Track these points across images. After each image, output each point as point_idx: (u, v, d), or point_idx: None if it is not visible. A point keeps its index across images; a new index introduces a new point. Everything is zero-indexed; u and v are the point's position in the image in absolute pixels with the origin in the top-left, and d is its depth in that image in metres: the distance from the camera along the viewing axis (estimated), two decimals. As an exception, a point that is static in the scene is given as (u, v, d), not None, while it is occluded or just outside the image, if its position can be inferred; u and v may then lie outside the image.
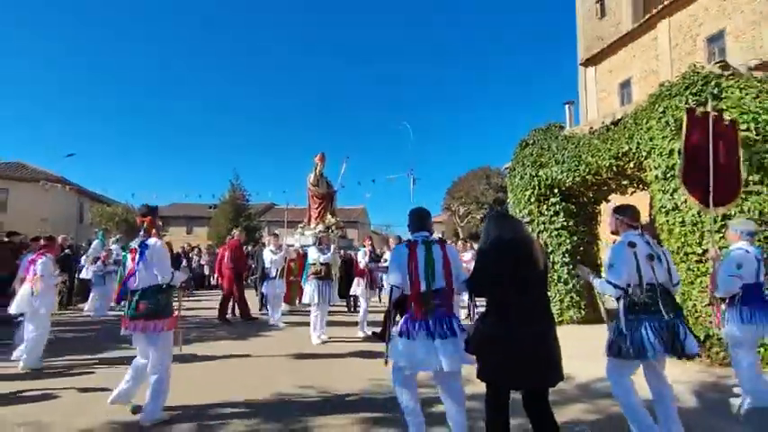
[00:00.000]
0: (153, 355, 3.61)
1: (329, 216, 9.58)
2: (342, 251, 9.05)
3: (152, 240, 3.68)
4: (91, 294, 9.66)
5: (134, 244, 3.74)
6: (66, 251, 10.43)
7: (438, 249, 3.14)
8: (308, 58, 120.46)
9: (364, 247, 8.47)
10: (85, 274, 10.05)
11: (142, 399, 3.68)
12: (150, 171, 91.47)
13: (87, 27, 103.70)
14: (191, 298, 12.21)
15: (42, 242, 5.87)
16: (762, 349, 4.41)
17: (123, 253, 3.94)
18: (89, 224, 24.32)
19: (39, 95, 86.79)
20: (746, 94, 4.89)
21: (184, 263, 12.41)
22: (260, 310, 9.79)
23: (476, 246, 17.96)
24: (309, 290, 7.03)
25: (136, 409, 3.68)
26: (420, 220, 3.35)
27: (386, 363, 3.17)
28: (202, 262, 16.67)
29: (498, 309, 2.72)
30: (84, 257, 10.40)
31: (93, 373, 5.07)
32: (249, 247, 18.62)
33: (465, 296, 7.43)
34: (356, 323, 7.62)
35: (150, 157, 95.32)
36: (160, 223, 3.95)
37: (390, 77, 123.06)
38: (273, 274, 8.47)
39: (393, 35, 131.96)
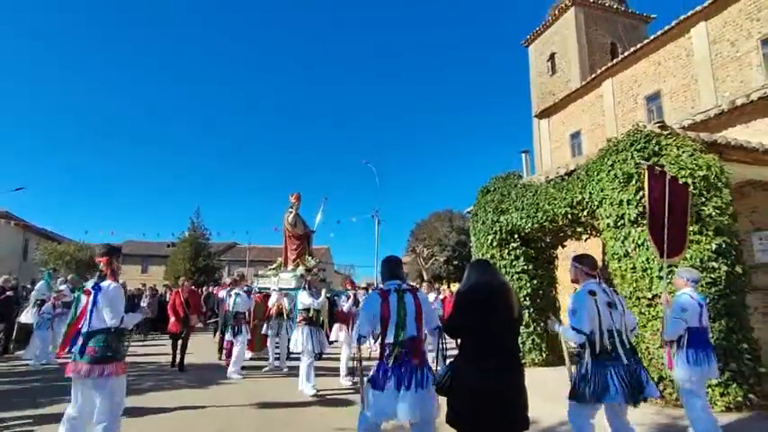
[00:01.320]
0: (100, 402, 3.37)
1: (309, 258, 9.25)
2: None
3: (106, 283, 3.55)
4: (32, 340, 8.83)
5: (89, 285, 3.61)
6: (8, 293, 9.72)
7: (410, 298, 3.21)
8: (270, 97, 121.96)
9: (348, 290, 8.15)
10: (26, 318, 9.25)
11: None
12: (106, 208, 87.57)
13: (37, 56, 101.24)
14: (145, 342, 11.52)
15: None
16: (709, 390, 4.67)
17: (77, 294, 3.76)
18: (34, 263, 22.74)
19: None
20: (683, 152, 5.40)
21: (144, 302, 11.71)
22: (220, 357, 9.35)
23: (439, 287, 17.94)
24: (300, 337, 6.54)
25: None
26: (392, 268, 3.41)
27: (363, 410, 3.15)
28: (143, 303, 15.62)
29: (470, 353, 2.77)
30: (31, 299, 9.63)
31: (32, 431, 4.67)
32: (210, 288, 17.98)
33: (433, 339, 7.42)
34: (331, 369, 7.38)
35: (105, 195, 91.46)
36: (117, 265, 3.81)
37: (354, 121, 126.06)
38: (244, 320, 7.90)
39: (356, 80, 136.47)
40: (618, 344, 3.17)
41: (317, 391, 6.35)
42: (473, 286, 2.92)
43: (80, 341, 3.43)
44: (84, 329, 3.45)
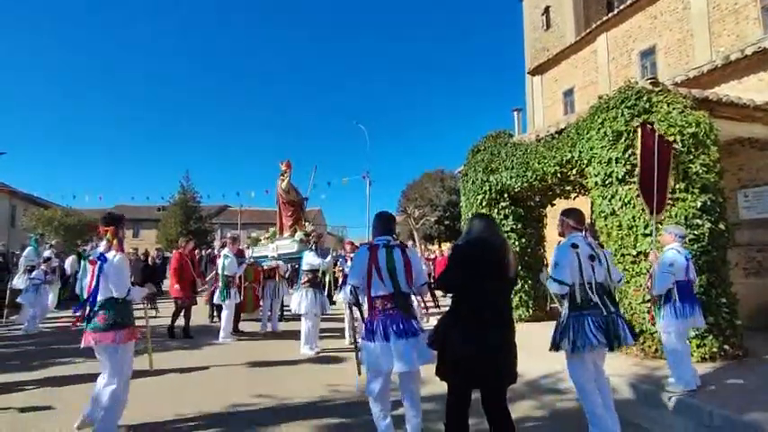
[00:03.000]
0: (109, 367, 3.46)
1: (306, 223, 9.14)
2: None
3: (111, 254, 3.55)
4: (24, 306, 8.90)
5: (94, 255, 3.61)
6: (-1, 259, 9.70)
7: (399, 253, 3.23)
8: (260, 59, 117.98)
9: (346, 252, 8.00)
10: (18, 283, 9.27)
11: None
12: (95, 172, 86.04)
13: (25, 21, 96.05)
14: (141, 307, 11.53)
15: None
16: (688, 341, 4.85)
17: (84, 263, 3.75)
18: (23, 229, 22.51)
19: (-40, 88, 79.33)
20: (674, 109, 5.34)
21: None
22: (212, 320, 9.48)
23: (432, 248, 18.11)
24: (303, 299, 6.48)
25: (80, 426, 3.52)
26: (384, 223, 3.42)
27: (359, 372, 3.23)
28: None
29: (463, 308, 2.80)
30: (20, 265, 9.61)
31: (29, 392, 4.75)
32: (202, 251, 17.99)
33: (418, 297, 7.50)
34: (335, 330, 7.48)
35: (94, 158, 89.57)
36: (123, 234, 3.77)
37: (344, 83, 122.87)
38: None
39: (346, 43, 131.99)
40: (597, 295, 3.23)
41: (319, 352, 6.43)
42: (471, 241, 2.91)
43: (89, 310, 3.48)
44: (92, 299, 3.49)
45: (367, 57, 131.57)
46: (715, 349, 4.93)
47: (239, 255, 8.39)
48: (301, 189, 9.61)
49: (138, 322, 3.73)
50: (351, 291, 3.31)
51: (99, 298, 3.49)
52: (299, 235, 8.35)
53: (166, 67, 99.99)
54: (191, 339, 7.62)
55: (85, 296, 3.54)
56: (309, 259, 6.81)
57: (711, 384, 4.17)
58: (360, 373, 3.26)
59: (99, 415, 3.39)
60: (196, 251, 11.86)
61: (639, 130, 4.62)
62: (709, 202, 5.11)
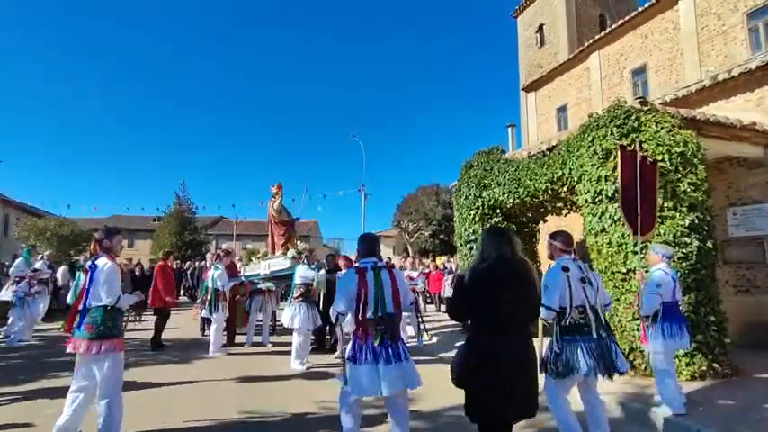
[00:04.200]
0: (101, 378, 3.46)
1: (298, 243, 9.34)
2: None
3: (101, 261, 3.60)
4: (10, 318, 8.76)
5: (87, 264, 3.70)
6: (-14, 270, 9.60)
7: (386, 275, 3.24)
8: (258, 74, 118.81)
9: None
10: (5, 295, 9.15)
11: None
12: (90, 182, 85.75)
13: (19, 27, 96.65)
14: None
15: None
16: (676, 360, 4.86)
17: (78, 273, 3.81)
18: (15, 238, 22.33)
19: (-43, 97, 79.24)
20: (661, 128, 5.43)
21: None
22: (203, 333, 9.41)
23: (426, 262, 18.06)
24: (296, 314, 6.50)
25: None
26: (369, 245, 3.44)
27: (345, 383, 3.22)
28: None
29: (483, 335, 2.57)
30: (9, 276, 9.50)
31: (9, 406, 4.67)
32: (195, 263, 17.93)
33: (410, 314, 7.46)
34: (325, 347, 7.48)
35: (89, 168, 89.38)
36: (110, 243, 3.78)
37: (340, 96, 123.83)
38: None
39: (343, 57, 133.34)
40: (590, 319, 3.20)
41: (308, 368, 6.41)
42: (487, 262, 2.66)
43: (78, 318, 3.50)
44: (83, 306, 3.52)
45: (363, 71, 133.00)
46: (704, 367, 4.93)
47: (231, 269, 8.36)
48: (295, 206, 9.87)
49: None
50: (336, 316, 3.29)
51: (88, 306, 3.50)
52: (291, 252, 8.45)
53: (162, 79, 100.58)
54: (181, 353, 7.55)
55: (75, 303, 3.57)
56: (302, 272, 6.79)
57: (700, 403, 4.17)
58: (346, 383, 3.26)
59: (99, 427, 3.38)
60: (180, 264, 11.85)
61: (618, 151, 4.67)
62: (697, 221, 5.17)
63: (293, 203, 11.61)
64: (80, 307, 3.53)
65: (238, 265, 9.79)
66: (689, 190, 5.24)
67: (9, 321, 8.56)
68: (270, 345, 8.19)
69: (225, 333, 8.17)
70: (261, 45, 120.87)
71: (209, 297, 7.63)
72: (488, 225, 8.24)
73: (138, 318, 9.95)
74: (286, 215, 9.45)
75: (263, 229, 10.38)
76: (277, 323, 9.60)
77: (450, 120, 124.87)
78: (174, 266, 9.37)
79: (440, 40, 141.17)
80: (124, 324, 4.31)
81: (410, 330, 8.02)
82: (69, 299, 3.89)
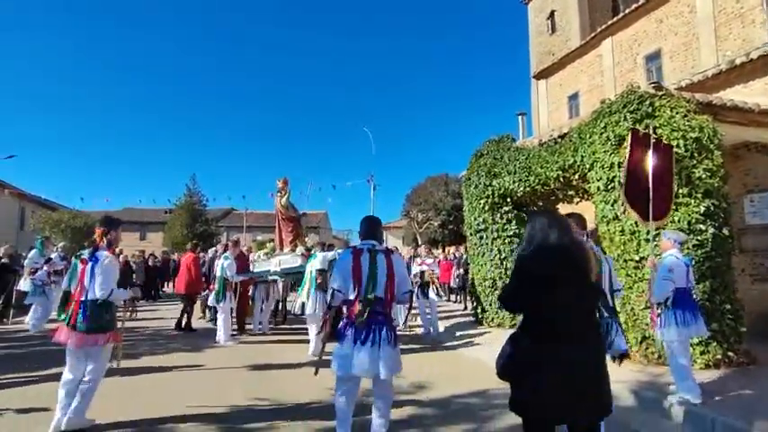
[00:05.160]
0: (90, 367, 3.54)
1: (306, 238, 9.39)
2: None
3: (102, 254, 3.59)
4: (32, 306, 9.00)
5: (85, 254, 3.65)
6: (3, 260, 9.77)
7: (382, 258, 3.22)
8: (266, 61, 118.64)
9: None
10: (23, 285, 9.35)
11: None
12: (102, 174, 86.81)
13: (29, 22, 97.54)
14: (144, 308, 11.72)
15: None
16: (690, 348, 4.80)
17: (74, 261, 3.82)
18: (31, 231, 22.74)
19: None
20: (676, 113, 5.31)
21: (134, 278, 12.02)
22: (206, 319, 9.63)
23: (435, 252, 18.09)
24: (315, 303, 6.51)
25: None
26: (368, 228, 3.42)
27: (316, 372, 3.28)
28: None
29: (537, 328, 2.27)
30: (25, 266, 9.69)
31: (28, 392, 4.77)
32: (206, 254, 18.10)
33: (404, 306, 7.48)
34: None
35: (102, 161, 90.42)
36: (114, 236, 3.80)
37: (352, 86, 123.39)
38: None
39: (354, 46, 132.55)
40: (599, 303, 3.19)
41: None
42: (537, 248, 2.32)
43: (74, 309, 3.50)
44: (80, 298, 3.53)
45: (373, 60, 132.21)
46: (719, 356, 4.87)
47: (241, 259, 8.41)
48: (304, 198, 9.84)
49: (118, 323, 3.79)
50: (333, 294, 3.27)
51: (84, 298, 3.52)
52: (300, 249, 8.46)
53: (172, 70, 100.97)
54: (192, 341, 7.65)
55: (75, 294, 3.57)
56: (320, 260, 6.82)
57: (714, 392, 4.11)
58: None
59: (73, 405, 3.47)
60: (200, 254, 12.04)
61: (630, 134, 4.55)
62: (712, 208, 5.07)
63: (302, 195, 11.68)
64: (77, 298, 3.55)
65: (249, 255, 9.82)
66: (704, 176, 5.13)
67: (32, 309, 8.77)
68: (269, 331, 8.31)
69: (235, 321, 8.28)
70: (266, 43, 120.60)
71: (216, 286, 7.71)
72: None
73: (133, 310, 10.24)
74: (293, 211, 9.45)
75: (273, 221, 10.35)
76: (288, 312, 9.75)
77: (460, 109, 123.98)
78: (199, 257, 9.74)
79: (450, 27, 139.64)
80: (122, 319, 4.39)
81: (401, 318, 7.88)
82: (64, 285, 3.88)
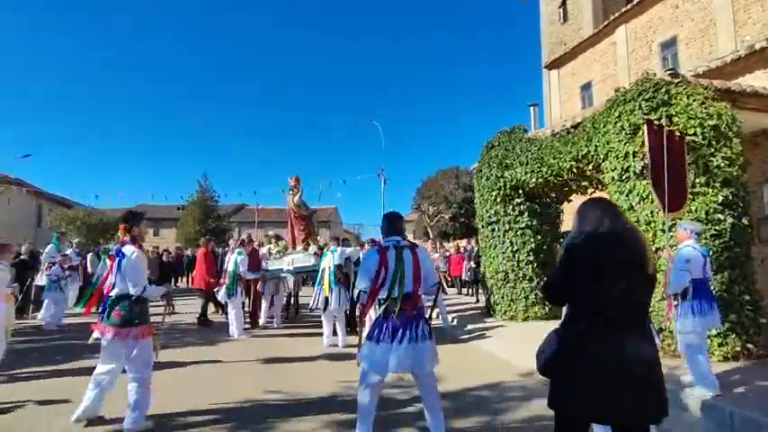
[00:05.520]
0: (131, 360, 3.56)
1: (319, 237, 9.35)
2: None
3: (129, 249, 3.62)
4: (45, 302, 9.13)
5: (112, 250, 3.70)
6: (23, 257, 9.97)
7: (408, 254, 3.21)
8: (275, 58, 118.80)
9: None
10: (40, 280, 9.53)
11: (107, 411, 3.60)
12: (116, 172, 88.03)
13: (43, 24, 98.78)
14: (158, 303, 11.82)
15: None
16: (708, 340, 4.71)
17: (103, 257, 3.87)
18: (48, 228, 23.21)
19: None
20: (693, 101, 5.18)
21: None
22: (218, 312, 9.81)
23: (446, 245, 17.90)
24: (337, 297, 6.70)
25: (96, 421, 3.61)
26: (391, 224, 3.41)
27: (358, 364, 3.23)
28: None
29: (586, 321, 2.09)
30: (42, 262, 9.87)
31: (50, 383, 4.89)
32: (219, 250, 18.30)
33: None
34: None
35: (116, 158, 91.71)
36: (138, 231, 3.83)
37: (360, 80, 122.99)
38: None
39: (363, 39, 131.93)
40: None
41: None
42: (589, 235, 2.15)
43: (106, 304, 3.57)
44: (110, 293, 3.58)
45: (381, 53, 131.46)
46: (738, 348, 4.78)
47: (253, 255, 8.47)
48: (315, 192, 9.80)
49: (155, 319, 3.80)
50: (359, 294, 3.31)
51: (116, 293, 3.56)
52: (312, 248, 8.41)
53: (185, 70, 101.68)
54: (207, 335, 7.75)
55: (103, 290, 3.63)
56: (340, 255, 6.96)
57: (733, 384, 4.04)
58: (359, 365, 3.27)
59: (129, 412, 3.48)
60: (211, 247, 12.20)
61: (645, 126, 4.47)
62: (731, 197, 4.96)
63: (313, 189, 11.65)
64: (106, 293, 3.60)
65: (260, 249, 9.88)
66: (723, 165, 5.01)
67: (44, 304, 8.90)
68: (281, 325, 8.39)
69: (249, 315, 8.38)
70: (280, 32, 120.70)
71: (227, 281, 7.77)
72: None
73: (169, 305, 10.41)
74: (305, 209, 9.39)
75: (284, 216, 10.36)
76: (302, 307, 9.83)
77: (470, 101, 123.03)
78: (215, 252, 9.88)
79: (459, 19, 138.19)
80: (162, 317, 4.45)
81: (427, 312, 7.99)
82: (93, 283, 3.98)
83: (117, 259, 3.58)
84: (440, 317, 8.51)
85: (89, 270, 12.22)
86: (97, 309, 3.71)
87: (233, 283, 7.68)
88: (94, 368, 3.72)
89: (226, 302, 8.04)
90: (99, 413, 3.66)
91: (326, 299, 6.71)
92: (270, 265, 8.65)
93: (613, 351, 1.98)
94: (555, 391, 2.15)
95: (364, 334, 3.33)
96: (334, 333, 6.87)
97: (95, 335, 3.57)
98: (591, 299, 2.06)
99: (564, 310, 2.99)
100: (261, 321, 8.69)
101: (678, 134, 4.66)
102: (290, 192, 9.45)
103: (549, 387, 2.17)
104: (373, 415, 3.20)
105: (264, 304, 8.77)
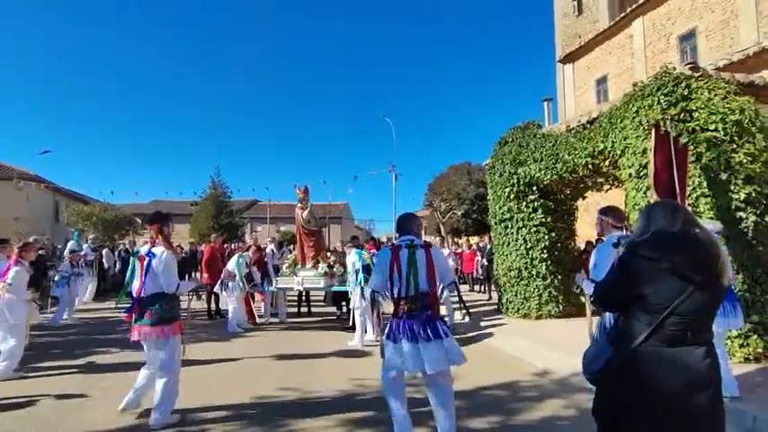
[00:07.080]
0: (161, 359, 3.66)
1: (328, 253, 9.01)
2: None
3: (159, 250, 3.68)
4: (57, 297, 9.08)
5: (143, 251, 3.77)
6: (40, 252, 10.15)
7: (422, 253, 3.20)
8: (289, 52, 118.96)
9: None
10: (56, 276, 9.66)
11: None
12: (131, 168, 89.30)
13: (64, 23, 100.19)
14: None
15: (16, 248, 5.66)
16: (728, 341, 4.61)
17: (133, 259, 3.93)
18: (65, 224, 23.64)
19: (10, 92, 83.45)
20: (715, 95, 5.04)
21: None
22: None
23: (458, 241, 17.75)
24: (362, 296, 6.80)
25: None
26: (403, 224, 3.43)
27: (382, 355, 3.20)
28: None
29: (645, 329, 1.82)
30: (65, 257, 10.02)
31: (67, 378, 4.98)
32: (231, 246, 18.46)
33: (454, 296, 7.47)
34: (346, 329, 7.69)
35: (131, 154, 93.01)
36: (168, 230, 3.90)
37: (372, 75, 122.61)
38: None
39: (375, 33, 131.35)
40: None
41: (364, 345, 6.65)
42: (656, 235, 1.90)
43: (138, 306, 3.65)
44: (141, 294, 3.64)
45: (394, 47, 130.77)
46: (760, 350, 4.66)
47: (259, 263, 8.65)
48: (325, 188, 9.60)
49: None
50: (371, 294, 3.31)
51: (148, 293, 3.63)
52: (322, 267, 8.20)
53: (199, 66, 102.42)
54: (219, 330, 7.84)
55: (134, 293, 3.70)
56: (356, 258, 7.09)
57: (755, 387, 3.95)
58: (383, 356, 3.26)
59: (156, 407, 3.59)
60: (225, 245, 12.28)
61: (653, 131, 4.42)
62: (754, 194, 4.82)
63: (324, 185, 11.45)
64: (136, 294, 3.67)
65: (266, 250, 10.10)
66: (745, 161, 4.87)
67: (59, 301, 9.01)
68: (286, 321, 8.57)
69: (247, 310, 8.55)
70: (292, 26, 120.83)
71: (222, 278, 8.08)
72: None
73: (198, 297, 10.70)
74: (314, 224, 8.92)
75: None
76: (312, 303, 9.89)
77: (483, 97, 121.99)
78: (221, 248, 10.28)
79: (472, 13, 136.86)
80: (189, 303, 4.52)
81: (457, 314, 7.96)
82: (125, 285, 4.08)
83: (147, 260, 3.64)
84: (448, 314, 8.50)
85: (105, 265, 12.44)
86: (127, 310, 3.79)
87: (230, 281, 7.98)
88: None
89: (218, 294, 8.39)
90: (170, 420, 3.71)
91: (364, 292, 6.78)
92: (280, 283, 8.50)
93: (676, 363, 1.77)
94: (601, 402, 2.00)
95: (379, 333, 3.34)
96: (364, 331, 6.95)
97: (134, 337, 3.66)
98: (653, 306, 1.82)
99: (608, 315, 2.76)
100: (261, 320, 8.73)
101: (682, 143, 4.57)
102: (299, 205, 8.90)
103: (598, 396, 2.02)
104: (405, 399, 3.20)
105: (267, 300, 8.92)
